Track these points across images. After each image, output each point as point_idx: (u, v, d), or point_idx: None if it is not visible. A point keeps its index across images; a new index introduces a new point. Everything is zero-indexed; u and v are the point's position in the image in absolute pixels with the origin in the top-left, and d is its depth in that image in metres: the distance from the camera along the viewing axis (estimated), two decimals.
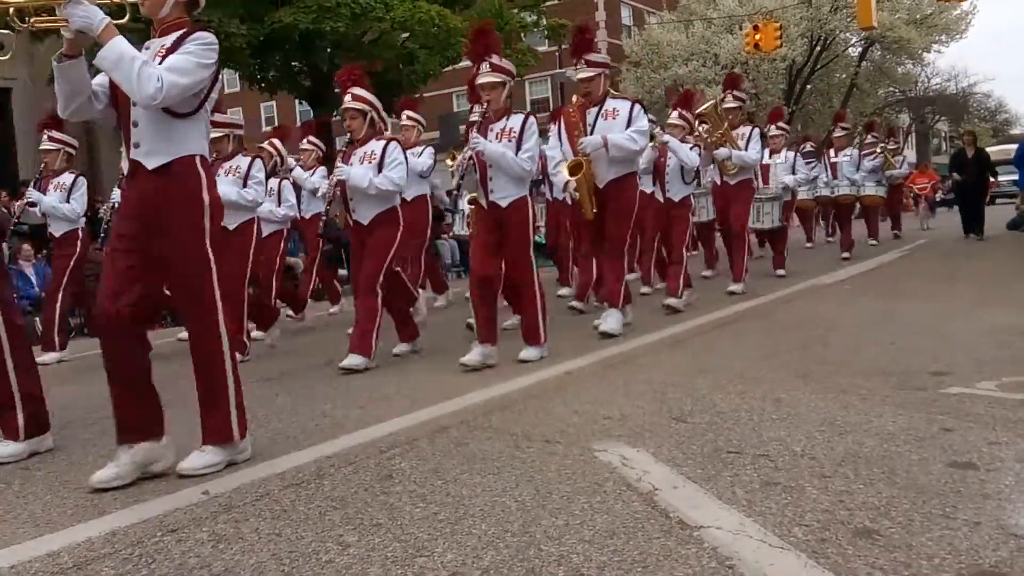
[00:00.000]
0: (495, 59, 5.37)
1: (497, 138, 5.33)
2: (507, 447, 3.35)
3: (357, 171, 5.56)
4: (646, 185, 7.79)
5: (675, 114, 7.92)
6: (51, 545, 2.60)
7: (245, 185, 6.19)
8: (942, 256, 11.00)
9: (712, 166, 8.45)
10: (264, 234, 6.96)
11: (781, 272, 9.73)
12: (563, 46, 23.68)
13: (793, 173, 10.92)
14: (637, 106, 6.06)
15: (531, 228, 5.43)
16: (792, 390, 4.04)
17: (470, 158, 5.34)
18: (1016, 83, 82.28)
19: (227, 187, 5.75)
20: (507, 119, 5.39)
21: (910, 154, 43.93)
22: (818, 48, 32.15)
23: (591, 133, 5.92)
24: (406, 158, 5.83)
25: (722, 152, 8.14)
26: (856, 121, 35.66)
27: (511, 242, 5.35)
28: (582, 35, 6.19)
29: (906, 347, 5.01)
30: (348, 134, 5.81)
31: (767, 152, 10.18)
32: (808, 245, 14.61)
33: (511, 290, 6.02)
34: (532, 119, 5.44)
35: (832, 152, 12.80)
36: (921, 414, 3.47)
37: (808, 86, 33.68)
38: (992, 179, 13.47)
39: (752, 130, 8.52)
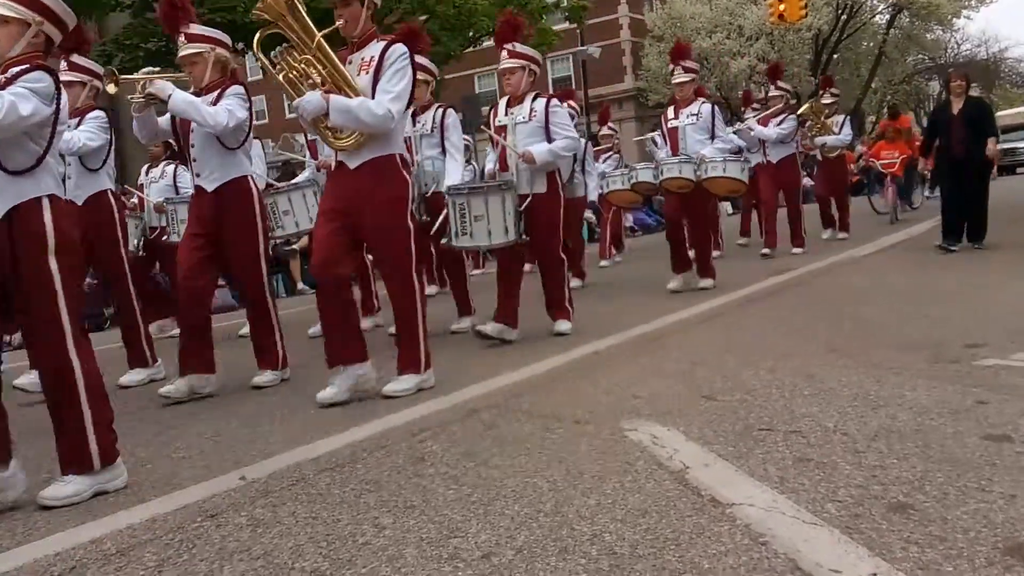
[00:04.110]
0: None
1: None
2: (537, 428, 3.37)
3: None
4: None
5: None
6: (93, 532, 2.65)
7: None
8: None
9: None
10: None
11: (564, 325, 5.65)
12: (583, 24, 23.60)
13: (549, 141, 5.42)
14: None
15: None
16: (823, 365, 4.02)
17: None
18: None
19: None
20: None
21: None
22: (844, 16, 31.72)
23: None
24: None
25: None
26: (884, 91, 35.12)
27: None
28: None
29: (939, 319, 4.95)
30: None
31: (511, 109, 5.67)
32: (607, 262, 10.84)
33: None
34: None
35: (671, 111, 7.48)
36: (955, 387, 3.44)
37: (835, 56, 33.25)
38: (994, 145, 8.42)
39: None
